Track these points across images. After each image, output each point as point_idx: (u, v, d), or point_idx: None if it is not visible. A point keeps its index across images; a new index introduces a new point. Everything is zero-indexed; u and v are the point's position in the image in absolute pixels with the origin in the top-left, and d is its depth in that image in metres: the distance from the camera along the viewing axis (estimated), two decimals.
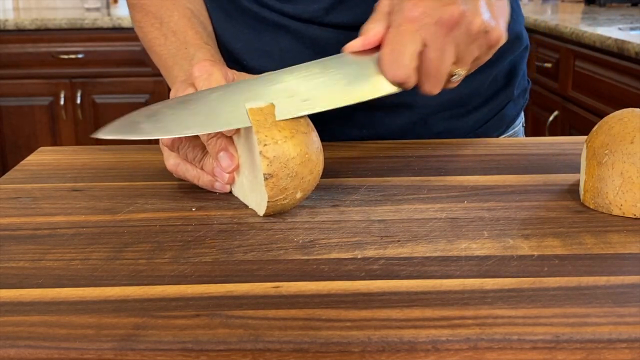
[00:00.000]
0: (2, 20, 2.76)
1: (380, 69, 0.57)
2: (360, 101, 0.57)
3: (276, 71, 0.58)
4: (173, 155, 0.62)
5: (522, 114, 0.88)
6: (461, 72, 0.59)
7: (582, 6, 2.97)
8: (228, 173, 0.59)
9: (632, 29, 2.17)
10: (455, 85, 0.61)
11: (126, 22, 2.76)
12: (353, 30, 0.72)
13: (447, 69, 0.57)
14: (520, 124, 0.88)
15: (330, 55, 0.60)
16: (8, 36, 2.78)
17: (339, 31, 0.74)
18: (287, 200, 0.55)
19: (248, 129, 0.55)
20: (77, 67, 2.81)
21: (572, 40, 2.15)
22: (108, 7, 3.20)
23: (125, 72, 2.82)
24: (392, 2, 0.58)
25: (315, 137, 0.56)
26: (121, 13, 2.96)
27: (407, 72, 0.56)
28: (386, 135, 0.77)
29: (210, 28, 0.79)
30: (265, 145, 0.53)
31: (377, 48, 0.58)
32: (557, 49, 2.28)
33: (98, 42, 2.80)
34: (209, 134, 0.58)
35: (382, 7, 0.59)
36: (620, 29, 2.14)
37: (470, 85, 0.77)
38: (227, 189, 0.61)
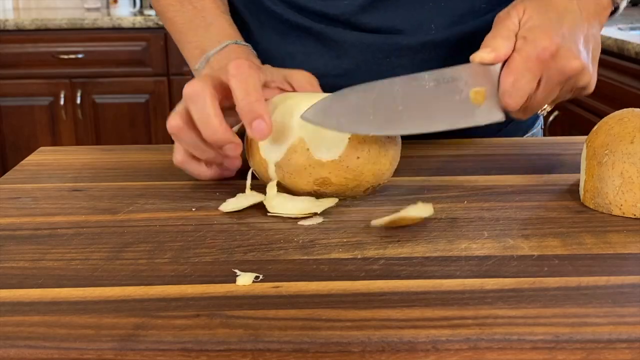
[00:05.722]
0: (2, 20, 2.76)
1: (499, 91, 0.59)
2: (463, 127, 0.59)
3: (402, 78, 0.57)
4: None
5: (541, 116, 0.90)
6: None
7: None
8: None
9: (632, 29, 2.17)
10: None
11: (126, 22, 2.75)
12: (377, 33, 0.72)
13: (544, 106, 0.63)
14: (540, 125, 0.89)
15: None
16: (8, 36, 2.78)
17: (363, 34, 0.74)
18: None
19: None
20: (77, 67, 2.81)
21: None
22: (108, 7, 3.19)
23: (125, 72, 2.82)
24: (519, 21, 0.61)
25: None
26: (121, 13, 2.96)
27: (518, 106, 0.59)
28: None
29: (226, 1, 0.78)
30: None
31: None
32: None
33: (98, 42, 2.80)
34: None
35: (509, 24, 0.61)
36: (620, 29, 2.14)
37: None
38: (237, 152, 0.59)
